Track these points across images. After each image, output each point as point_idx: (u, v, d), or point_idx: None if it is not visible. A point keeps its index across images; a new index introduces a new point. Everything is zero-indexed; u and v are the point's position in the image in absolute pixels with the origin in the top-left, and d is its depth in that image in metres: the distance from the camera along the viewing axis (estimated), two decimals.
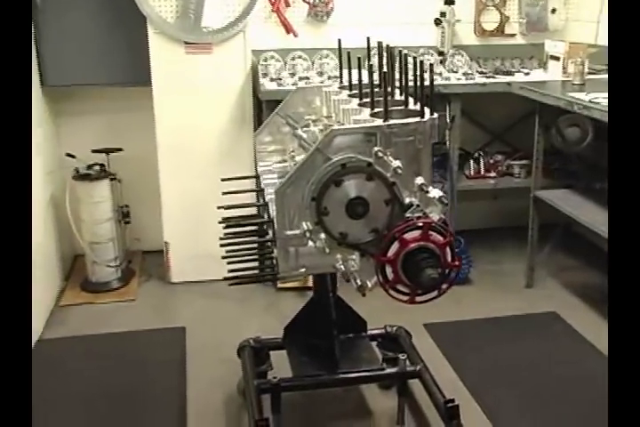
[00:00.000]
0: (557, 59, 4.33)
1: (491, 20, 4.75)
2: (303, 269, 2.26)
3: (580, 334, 3.77)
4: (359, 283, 2.21)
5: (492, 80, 4.26)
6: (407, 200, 2.17)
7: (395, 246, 2.11)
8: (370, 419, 3.15)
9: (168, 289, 4.34)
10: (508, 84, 4.19)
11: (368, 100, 2.32)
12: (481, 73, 4.41)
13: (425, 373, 3.00)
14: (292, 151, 2.64)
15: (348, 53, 2.69)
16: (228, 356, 3.29)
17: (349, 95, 2.55)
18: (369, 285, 2.22)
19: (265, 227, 2.46)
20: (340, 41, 2.76)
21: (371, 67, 2.24)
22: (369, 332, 3.16)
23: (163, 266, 4.42)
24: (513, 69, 4.52)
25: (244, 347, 3.14)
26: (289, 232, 2.17)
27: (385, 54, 2.50)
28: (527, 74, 4.42)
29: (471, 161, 4.67)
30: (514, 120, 4.92)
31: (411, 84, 2.34)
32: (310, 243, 2.17)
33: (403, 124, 2.14)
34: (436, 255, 2.12)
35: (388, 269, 2.14)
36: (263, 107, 4.08)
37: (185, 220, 4.28)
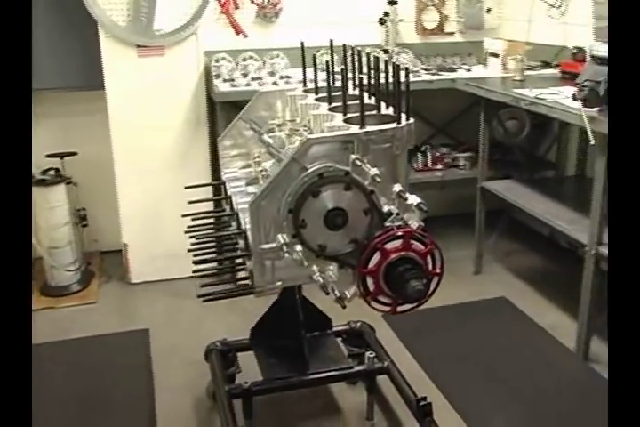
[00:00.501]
0: (496, 56, 4.14)
1: (431, 19, 4.54)
2: (279, 283, 2.01)
3: (529, 318, 3.65)
4: (338, 294, 1.97)
5: (437, 77, 4.05)
6: (386, 208, 1.95)
7: (376, 257, 1.88)
8: (340, 415, 2.94)
9: (128, 290, 4.03)
10: (453, 80, 4.01)
11: (338, 104, 2.08)
12: (425, 70, 4.20)
13: (392, 368, 2.80)
14: (258, 157, 2.39)
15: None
16: (194, 358, 3.03)
17: (317, 99, 2.30)
18: (348, 295, 1.99)
19: (235, 238, 2.19)
20: (302, 43, 2.51)
21: (343, 71, 2.00)
22: (334, 328, 2.95)
23: (122, 266, 4.11)
24: (455, 66, 4.33)
25: (211, 350, 2.89)
26: (265, 246, 1.92)
27: (353, 57, 2.24)
28: (469, 70, 4.22)
29: (418, 154, 4.49)
30: (455, 114, 4.74)
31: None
32: (287, 255, 1.93)
33: (380, 130, 1.90)
34: (418, 265, 1.91)
35: (370, 281, 1.91)
36: (217, 108, 3.79)
37: (143, 220, 3.98)
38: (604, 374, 3.14)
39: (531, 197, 3.82)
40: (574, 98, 2.94)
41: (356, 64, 2.27)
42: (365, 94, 2.25)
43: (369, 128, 1.89)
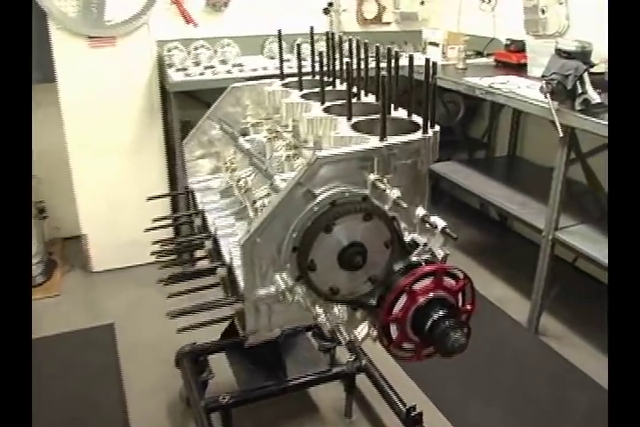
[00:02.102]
0: (436, 45, 3.42)
1: (370, 9, 3.74)
2: (277, 330, 1.28)
3: (479, 292, 3.00)
4: (347, 338, 1.25)
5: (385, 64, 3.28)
6: (408, 237, 1.22)
7: (402, 301, 1.17)
8: (318, 414, 2.25)
9: (91, 280, 3.14)
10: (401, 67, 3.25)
11: (334, 103, 1.32)
12: (372, 57, 3.41)
13: (370, 367, 2.13)
14: (232, 163, 1.61)
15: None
16: (163, 355, 2.27)
17: (304, 96, 1.51)
18: (359, 338, 1.27)
19: (216, 269, 1.41)
20: (279, 31, 1.71)
21: (348, 65, 1.23)
22: None
23: (83, 253, 3.24)
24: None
25: (181, 357, 2.14)
26: (261, 292, 1.17)
27: (355, 48, 1.47)
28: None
29: None
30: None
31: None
32: (288, 299, 1.19)
33: (405, 142, 1.15)
34: (451, 306, 1.20)
35: (393, 328, 1.20)
36: (170, 97, 2.93)
37: (101, 210, 3.09)
38: (552, 345, 2.61)
39: (475, 179, 3.20)
40: (541, 90, 2.26)
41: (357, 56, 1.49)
42: (361, 91, 1.50)
43: (391, 140, 1.14)
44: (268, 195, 1.39)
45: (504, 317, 2.81)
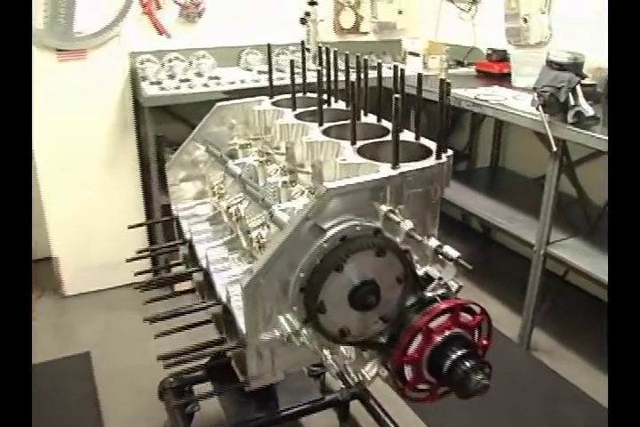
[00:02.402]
0: (416, 55, 3.36)
1: (348, 19, 3.67)
2: (281, 374, 1.17)
3: None
4: (356, 379, 1.16)
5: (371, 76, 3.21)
6: (421, 271, 1.13)
7: (417, 340, 1.08)
8: None
9: (64, 305, 2.97)
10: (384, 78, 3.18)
11: (332, 124, 1.23)
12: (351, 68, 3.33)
13: (364, 393, 2.04)
14: (220, 188, 1.50)
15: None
16: (142, 385, 2.16)
17: (297, 116, 1.41)
18: (368, 378, 1.17)
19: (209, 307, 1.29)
20: (269, 46, 1.60)
21: (353, 86, 1.14)
22: None
23: (54, 276, 3.07)
24: (374, 64, 3.48)
25: (165, 389, 2.01)
26: (265, 336, 1.06)
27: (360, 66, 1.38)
28: (389, 68, 3.38)
29: None
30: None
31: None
32: (294, 339, 1.09)
33: (419, 170, 1.07)
34: (468, 343, 1.11)
35: (408, 369, 1.10)
36: (145, 112, 2.80)
37: (73, 231, 2.93)
38: (544, 361, 2.56)
39: (457, 190, 3.12)
40: (533, 103, 2.21)
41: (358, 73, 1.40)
42: (360, 110, 1.41)
43: (404, 167, 1.05)
44: (262, 224, 1.28)
45: (495, 333, 2.73)
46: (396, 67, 1.36)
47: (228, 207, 1.42)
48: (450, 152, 1.12)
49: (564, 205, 2.73)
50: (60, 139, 2.76)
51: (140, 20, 3.05)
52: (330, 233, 0.99)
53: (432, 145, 1.21)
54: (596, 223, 2.56)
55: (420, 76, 1.25)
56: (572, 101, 2.09)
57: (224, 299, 1.19)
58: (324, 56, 1.48)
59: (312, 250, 0.98)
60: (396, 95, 1.07)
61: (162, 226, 2.97)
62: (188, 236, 1.44)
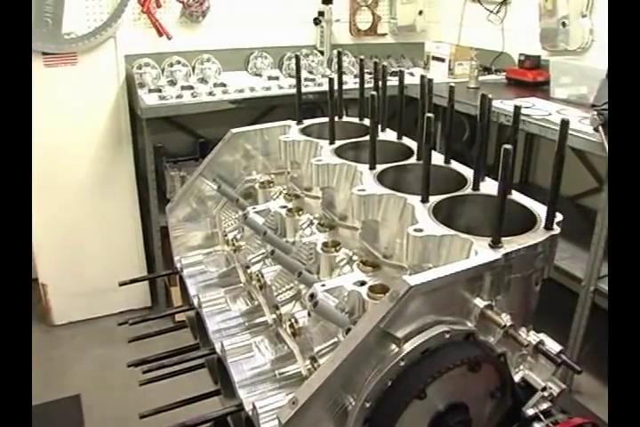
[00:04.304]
0: (441, 60, 3.04)
1: (364, 19, 3.34)
2: None
3: None
4: None
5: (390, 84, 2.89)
6: (517, 377, 0.81)
7: None
8: None
9: (53, 336, 2.64)
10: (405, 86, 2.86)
11: (389, 165, 0.92)
12: (369, 73, 3.02)
13: None
14: (238, 240, 1.18)
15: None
16: None
17: (337, 152, 1.09)
18: None
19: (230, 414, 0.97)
20: (297, 57, 1.27)
21: (429, 121, 0.83)
22: None
23: (41, 303, 2.75)
24: (394, 69, 3.16)
25: None
26: None
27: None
28: (412, 75, 3.06)
29: None
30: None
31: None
32: None
33: (527, 248, 0.75)
34: None
35: None
36: (143, 124, 2.48)
37: (63, 253, 2.62)
38: (589, 406, 2.24)
39: None
40: (592, 122, 1.89)
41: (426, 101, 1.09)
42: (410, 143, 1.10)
43: (507, 246, 0.73)
44: (294, 297, 0.97)
45: None
46: (423, 77, 1.06)
47: (247, 267, 1.10)
48: (560, 217, 0.80)
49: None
50: (46, 152, 2.43)
51: (137, 20, 2.72)
52: (408, 346, 0.67)
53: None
54: None
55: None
56: None
57: (247, 405, 0.88)
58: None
59: (381, 369, 0.67)
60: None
61: (160, 249, 2.66)
62: (195, 301, 1.13)
